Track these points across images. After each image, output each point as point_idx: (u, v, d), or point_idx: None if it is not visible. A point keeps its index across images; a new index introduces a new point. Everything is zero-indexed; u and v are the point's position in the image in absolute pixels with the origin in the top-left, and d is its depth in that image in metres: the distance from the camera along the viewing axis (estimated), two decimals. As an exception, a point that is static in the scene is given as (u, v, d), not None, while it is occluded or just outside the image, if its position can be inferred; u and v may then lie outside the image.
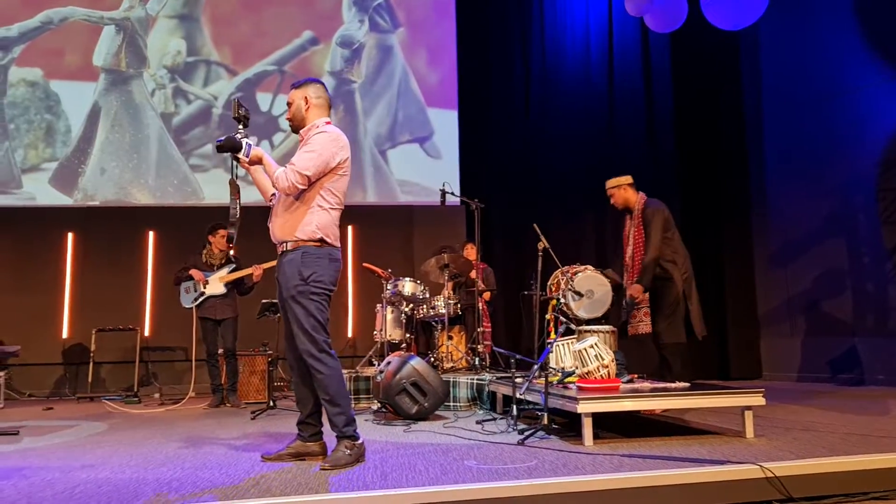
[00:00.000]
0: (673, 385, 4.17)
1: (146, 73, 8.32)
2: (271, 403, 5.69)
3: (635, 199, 5.38)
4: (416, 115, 8.73)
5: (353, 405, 3.46)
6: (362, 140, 8.59)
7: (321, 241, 3.41)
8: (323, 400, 3.43)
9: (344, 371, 6.31)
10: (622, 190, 5.39)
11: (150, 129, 8.26)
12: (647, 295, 5.17)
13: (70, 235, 7.99)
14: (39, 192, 8.07)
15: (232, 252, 6.50)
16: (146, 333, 7.89)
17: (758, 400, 3.84)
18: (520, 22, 9.00)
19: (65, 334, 7.87)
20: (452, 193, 7.09)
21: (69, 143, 8.17)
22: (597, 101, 8.74)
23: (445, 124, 8.72)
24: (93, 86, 8.22)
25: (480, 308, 6.91)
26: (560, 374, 4.30)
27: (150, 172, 8.22)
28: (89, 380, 7.57)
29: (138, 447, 4.14)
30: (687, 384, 4.23)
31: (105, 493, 2.91)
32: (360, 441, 3.42)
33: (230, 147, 3.43)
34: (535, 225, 6.04)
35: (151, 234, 8.11)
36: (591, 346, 4.31)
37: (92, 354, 7.64)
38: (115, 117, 8.23)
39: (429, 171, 8.61)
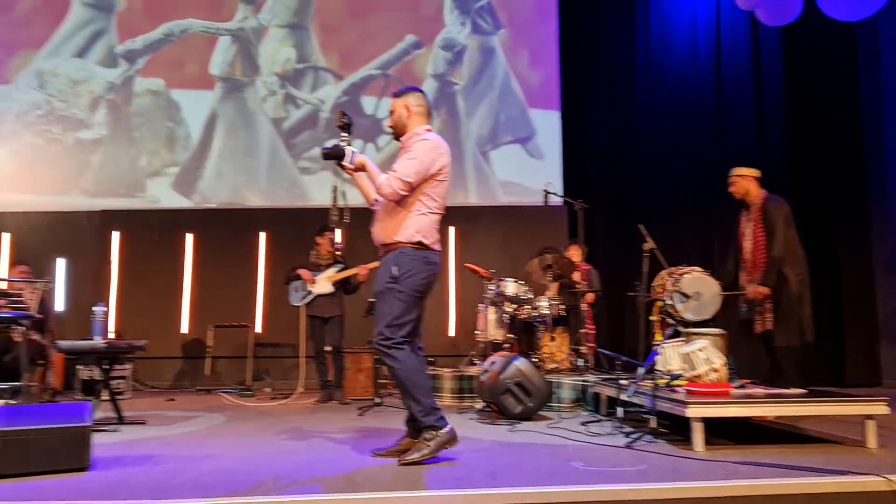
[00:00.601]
0: (788, 391, 4.04)
1: (258, 81, 8.68)
2: (377, 400, 5.84)
3: (756, 193, 5.23)
4: (517, 116, 8.75)
5: (432, 396, 3.51)
6: (464, 142, 8.67)
7: (419, 243, 3.52)
8: (401, 393, 3.52)
9: (447, 370, 6.44)
10: (746, 181, 5.25)
11: (261, 135, 8.61)
12: (768, 294, 5.02)
13: (190, 236, 8.43)
14: (162, 195, 8.55)
15: (339, 252, 6.70)
16: (258, 330, 8.22)
17: (881, 408, 3.67)
18: (624, 19, 8.88)
19: (184, 329, 8.31)
20: (555, 194, 7.07)
21: (189, 148, 8.62)
22: (703, 98, 8.52)
23: (547, 125, 8.70)
24: (210, 94, 8.64)
25: (584, 309, 6.86)
26: (668, 377, 4.23)
27: (261, 175, 8.58)
28: (207, 373, 7.97)
29: (254, 439, 4.34)
30: (803, 390, 4.08)
31: (229, 481, 3.08)
32: (444, 429, 3.47)
33: (335, 155, 3.58)
34: (640, 226, 5.95)
35: (263, 234, 8.45)
36: (701, 350, 4.22)
37: (209, 349, 8.04)
38: (231, 123, 8.62)
39: (530, 171, 8.61)
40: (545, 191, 6.97)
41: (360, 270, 6.53)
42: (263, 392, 7.53)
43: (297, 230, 8.27)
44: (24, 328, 5.51)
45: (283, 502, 2.70)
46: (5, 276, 7.15)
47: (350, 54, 8.77)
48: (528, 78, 8.77)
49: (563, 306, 6.69)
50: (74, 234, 8.28)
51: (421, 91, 3.79)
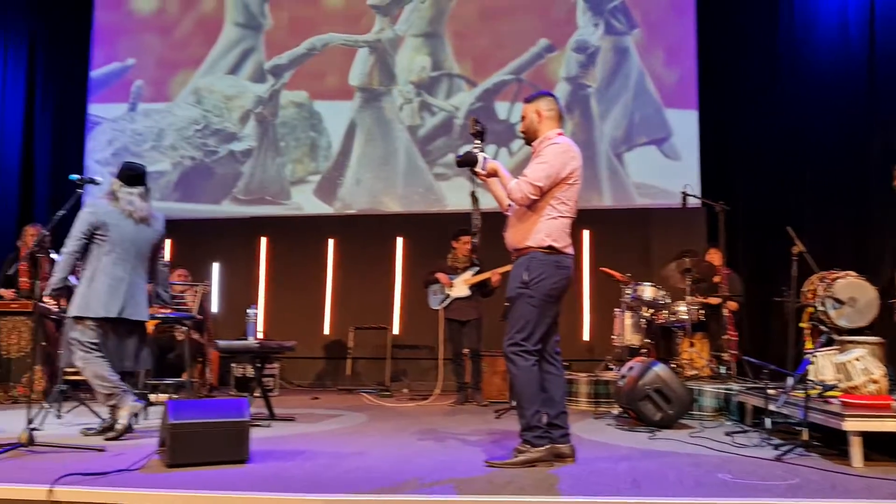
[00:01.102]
0: (957, 406, 3.75)
1: (395, 90, 8.94)
2: (514, 403, 5.88)
3: None
4: (652, 116, 8.56)
5: (540, 413, 3.52)
6: (598, 144, 8.58)
7: (550, 248, 3.53)
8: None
9: (582, 374, 6.39)
10: None
11: (398, 142, 8.87)
12: None
13: (331, 241, 8.80)
14: (305, 202, 8.98)
15: (475, 256, 6.79)
16: (396, 332, 8.47)
17: None
18: (766, 13, 8.48)
19: (326, 331, 8.67)
20: (694, 196, 6.88)
21: (330, 157, 9.00)
22: (854, 91, 8.00)
23: (684, 124, 8.46)
24: (349, 104, 8.99)
25: (725, 315, 6.63)
26: (820, 387, 4.03)
27: (398, 182, 8.83)
28: (347, 373, 8.30)
29: (395, 438, 4.49)
30: (976, 406, 3.78)
31: (375, 478, 3.22)
32: (540, 447, 3.46)
33: (468, 162, 3.66)
34: (788, 228, 5.70)
35: (400, 239, 8.69)
36: (858, 359, 4.00)
37: (350, 350, 8.36)
38: (369, 132, 8.94)
39: (667, 172, 8.40)
40: (683, 192, 6.79)
41: (491, 275, 6.61)
42: (401, 393, 7.75)
43: (432, 235, 8.45)
44: (186, 328, 5.94)
45: (426, 501, 2.79)
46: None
47: (483, 60, 8.87)
48: (663, 77, 8.56)
49: (704, 311, 6.49)
50: (227, 240, 8.83)
51: (552, 95, 3.81)
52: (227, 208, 9.04)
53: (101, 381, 4.33)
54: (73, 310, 4.38)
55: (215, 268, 8.70)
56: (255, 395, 5.61)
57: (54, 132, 9.67)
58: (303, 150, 9.06)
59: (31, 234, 6.56)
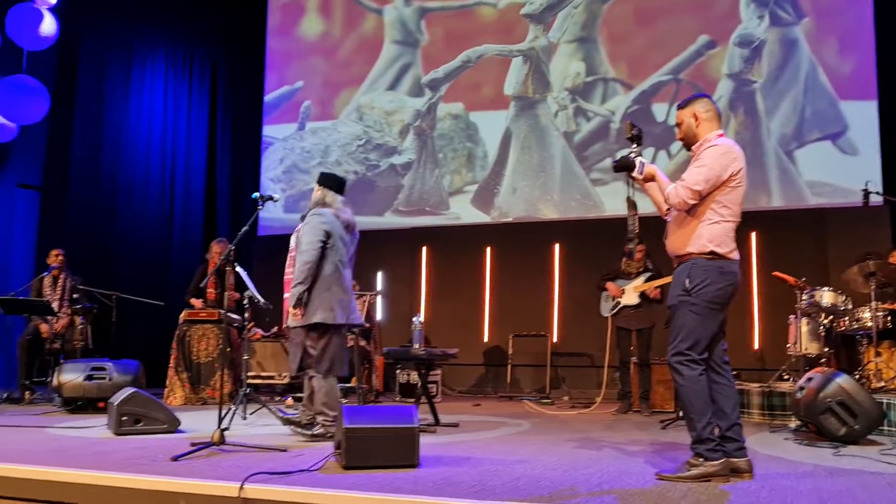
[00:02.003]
0: None
1: (549, 97, 8.93)
2: (680, 414, 5.70)
3: None
4: (826, 109, 8.03)
5: (711, 425, 3.35)
6: (765, 142, 8.15)
7: (712, 253, 3.41)
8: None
9: (753, 385, 6.09)
10: None
11: (554, 149, 8.85)
12: None
13: (488, 249, 8.91)
14: (463, 211, 9.15)
15: (649, 262, 6.64)
16: (555, 339, 8.44)
17: None
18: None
19: (485, 338, 8.79)
20: (877, 193, 6.38)
21: (486, 166, 9.13)
22: None
23: (862, 117, 7.87)
24: (504, 113, 9.08)
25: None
26: None
27: (555, 189, 8.81)
28: (508, 380, 8.36)
29: (560, 446, 4.48)
30: None
31: (543, 486, 3.23)
32: (714, 462, 3.32)
33: (625, 167, 3.61)
34: None
35: (557, 246, 8.66)
36: None
37: (509, 357, 8.43)
38: (524, 140, 8.99)
39: (843, 169, 7.84)
40: (864, 190, 6.30)
41: (646, 288, 6.46)
42: (562, 400, 7.71)
43: (590, 241, 8.38)
44: (354, 335, 6.22)
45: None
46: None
47: (639, 62, 8.68)
48: (837, 68, 8.01)
49: (891, 318, 6.00)
50: (389, 251, 9.16)
51: (706, 96, 3.69)
52: (390, 220, 9.37)
53: (331, 402, 4.49)
54: (309, 317, 4.48)
55: (379, 277, 9.04)
56: (422, 401, 5.77)
57: (233, 153, 10.49)
58: (460, 161, 9.25)
59: (216, 251, 7.11)
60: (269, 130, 10.09)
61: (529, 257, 8.76)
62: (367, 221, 9.34)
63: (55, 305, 7.10)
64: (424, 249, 9.19)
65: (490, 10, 9.31)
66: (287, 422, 4.71)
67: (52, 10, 8.84)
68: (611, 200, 8.50)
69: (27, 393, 6.96)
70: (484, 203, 9.08)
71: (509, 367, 8.43)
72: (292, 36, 10.15)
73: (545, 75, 8.98)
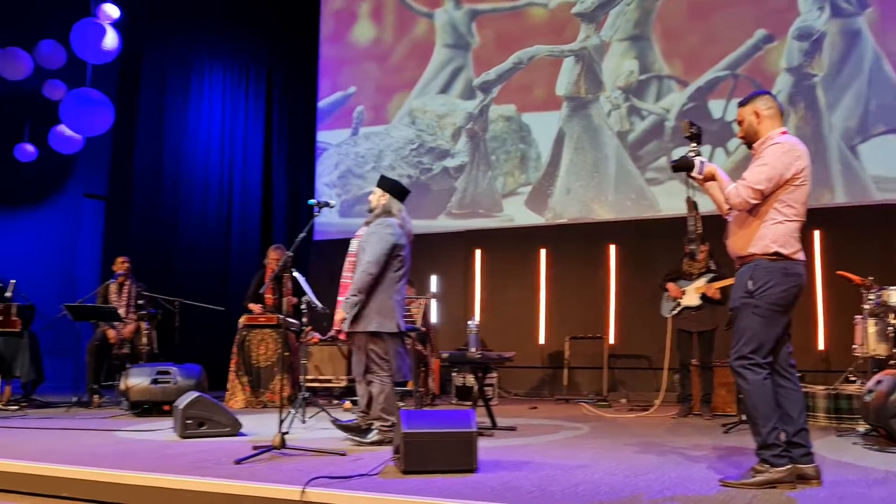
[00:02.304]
0: None
1: (602, 97, 8.84)
2: (743, 417, 5.58)
3: None
4: (892, 102, 7.76)
5: (776, 430, 3.26)
6: (827, 137, 7.92)
7: (776, 254, 3.33)
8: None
9: (818, 387, 5.92)
10: None
11: (608, 149, 8.76)
12: None
13: (543, 251, 8.86)
14: (517, 213, 9.12)
15: (712, 262, 6.50)
16: (612, 341, 8.34)
17: None
18: None
19: (541, 341, 8.74)
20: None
21: (539, 168, 9.08)
22: None
23: (932, 108, 7.60)
24: (557, 114, 9.02)
25: None
26: None
27: (609, 189, 8.71)
28: (564, 383, 8.30)
29: (619, 451, 4.43)
30: None
31: (603, 492, 3.20)
32: (780, 468, 3.23)
33: (684, 166, 3.55)
34: None
35: (613, 247, 8.56)
36: None
37: (566, 360, 8.36)
38: (577, 141, 8.91)
39: (911, 163, 7.59)
40: (935, 186, 6.09)
41: (707, 289, 6.34)
42: (619, 403, 7.62)
43: (646, 241, 8.26)
44: (410, 339, 6.26)
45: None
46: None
47: (694, 59, 8.53)
48: (904, 58, 7.75)
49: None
50: (443, 254, 9.18)
51: (768, 93, 3.60)
52: (443, 223, 9.40)
53: (389, 408, 4.53)
54: (368, 324, 4.53)
55: (433, 280, 9.07)
56: (478, 404, 5.77)
57: (289, 159, 10.69)
58: (513, 163, 9.22)
59: (273, 257, 7.23)
60: (323, 136, 10.22)
61: (584, 259, 8.68)
62: (420, 225, 9.36)
63: (121, 312, 7.31)
64: (478, 252, 9.19)
65: (541, 11, 9.27)
66: (344, 428, 4.75)
67: (115, 24, 9.11)
68: (666, 200, 8.37)
69: (96, 397, 7.18)
70: (538, 204, 9.03)
71: (566, 369, 8.37)
72: (344, 42, 10.27)
73: (598, 75, 8.89)
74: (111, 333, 7.30)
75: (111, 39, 8.91)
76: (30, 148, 9.43)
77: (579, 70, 8.98)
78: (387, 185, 4.81)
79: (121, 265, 7.58)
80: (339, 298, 4.70)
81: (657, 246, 7.81)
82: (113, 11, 9.17)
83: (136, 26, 10.14)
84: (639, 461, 4.05)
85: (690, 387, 6.52)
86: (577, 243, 8.72)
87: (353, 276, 4.61)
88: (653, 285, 6.92)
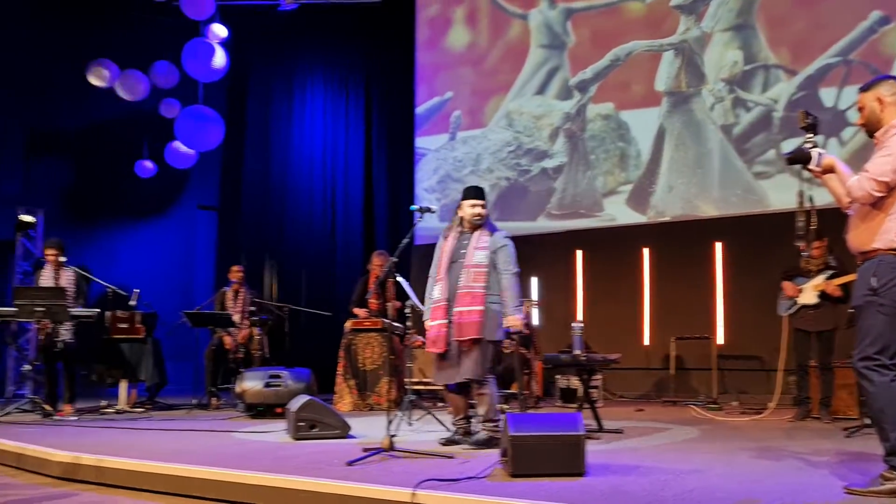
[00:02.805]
0: None
1: (704, 90, 8.59)
2: (866, 421, 5.30)
3: None
4: None
5: None
6: (953, 121, 7.43)
7: (902, 249, 3.15)
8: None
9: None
10: None
11: (711, 143, 8.50)
12: None
13: (646, 250, 8.69)
14: (618, 212, 8.98)
15: (832, 258, 6.20)
16: (720, 342, 8.09)
17: None
18: None
19: (646, 342, 8.56)
20: None
21: (640, 166, 8.91)
22: None
23: None
24: (657, 110, 8.82)
25: None
26: None
27: (713, 185, 8.45)
28: (672, 385, 8.10)
29: (733, 455, 4.30)
30: None
31: (719, 498, 3.12)
32: None
33: (800, 159, 3.41)
34: None
35: (719, 244, 8.30)
36: None
37: (672, 361, 8.16)
38: (679, 136, 8.69)
39: None
40: None
41: (826, 286, 6.04)
42: (730, 405, 7.38)
43: (754, 238, 7.97)
44: (513, 340, 6.26)
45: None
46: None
47: (802, 46, 8.18)
48: None
49: None
50: (544, 255, 9.13)
51: (892, 78, 3.41)
52: (543, 224, 9.36)
53: (496, 410, 4.69)
54: (497, 334, 4.72)
55: (534, 283, 9.05)
56: (584, 406, 5.72)
57: (389, 166, 10.90)
58: (612, 162, 9.09)
59: (377, 262, 7.39)
60: (421, 142, 10.36)
61: (689, 257, 8.45)
62: (520, 226, 9.37)
63: (236, 318, 7.64)
64: (579, 253, 9.09)
65: (638, 6, 9.09)
66: (449, 442, 4.78)
67: (222, 43, 9.55)
68: (777, 194, 8.05)
69: (214, 399, 7.53)
70: (639, 203, 8.86)
71: (672, 370, 8.17)
72: (440, 48, 10.38)
73: (699, 67, 8.65)
74: (227, 339, 7.64)
75: (220, 58, 9.35)
76: (149, 164, 10.00)
77: (679, 64, 8.75)
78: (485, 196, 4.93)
79: (236, 273, 7.92)
80: (461, 309, 4.68)
81: (767, 242, 7.52)
82: (221, 31, 9.62)
83: (242, 43, 10.59)
84: (755, 466, 3.92)
85: (808, 389, 6.24)
86: (680, 241, 8.50)
87: (478, 286, 4.65)
88: (763, 283, 6.68)
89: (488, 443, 4.56)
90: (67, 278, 7.01)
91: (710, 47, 8.63)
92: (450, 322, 4.66)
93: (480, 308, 4.61)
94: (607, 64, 9.16)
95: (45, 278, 7.02)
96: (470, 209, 4.81)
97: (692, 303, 8.32)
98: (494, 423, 4.60)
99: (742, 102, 8.41)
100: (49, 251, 7.07)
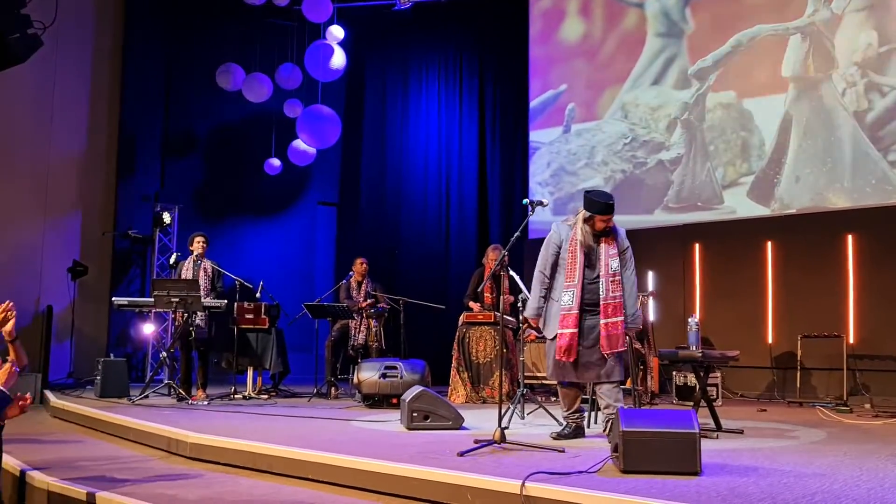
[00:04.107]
0: None
1: (835, 74, 8.12)
2: None
3: None
4: None
5: None
6: None
7: None
8: None
9: None
10: None
11: (842, 131, 8.03)
12: None
13: (769, 244, 8.32)
14: (739, 204, 8.63)
15: None
16: (851, 340, 7.66)
17: None
18: None
19: (770, 339, 8.21)
20: None
21: (763, 156, 8.53)
22: None
23: None
24: (782, 97, 8.41)
25: None
26: None
27: (844, 175, 7.99)
28: (797, 385, 7.74)
29: (863, 460, 4.08)
30: None
31: (843, 504, 2.98)
32: None
33: None
34: None
35: (850, 237, 7.85)
36: None
37: (799, 360, 7.80)
38: (807, 124, 8.25)
39: None
40: None
41: None
42: (862, 408, 6.97)
43: (889, 230, 7.50)
44: (629, 336, 6.16)
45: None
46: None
47: (947, 23, 7.60)
48: None
49: None
50: (661, 249, 8.92)
51: None
52: (659, 217, 9.13)
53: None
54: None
55: (650, 276, 8.85)
56: (701, 405, 5.56)
57: (502, 160, 10.93)
58: (734, 152, 8.75)
59: (492, 256, 7.44)
60: (535, 136, 10.32)
61: (817, 251, 8.04)
62: (636, 220, 9.19)
63: (362, 306, 7.93)
64: (697, 246, 8.82)
65: (762, -12, 8.71)
66: (560, 436, 4.81)
67: (341, 44, 9.85)
68: (916, 183, 7.54)
69: (333, 389, 7.81)
70: (762, 195, 8.49)
71: (798, 370, 7.80)
72: (554, 41, 10.29)
73: (829, 51, 8.18)
74: (352, 324, 7.91)
75: (339, 58, 9.66)
76: (276, 162, 10.48)
77: (807, 48, 8.32)
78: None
79: (360, 265, 8.20)
80: (609, 321, 4.71)
81: (905, 235, 7.07)
82: (338, 32, 9.94)
83: (359, 43, 10.90)
84: (888, 473, 3.71)
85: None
86: (808, 234, 8.09)
87: (619, 295, 4.75)
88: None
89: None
90: (207, 270, 7.46)
91: (840, 29, 8.15)
92: (580, 330, 4.71)
93: (621, 318, 4.72)
94: (728, 50, 8.82)
95: (187, 269, 7.49)
96: (602, 224, 4.78)
97: (820, 299, 7.91)
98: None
99: (876, 87, 7.90)
100: (199, 238, 7.53)
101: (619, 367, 4.71)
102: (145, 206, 10.03)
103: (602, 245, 4.78)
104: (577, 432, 4.86)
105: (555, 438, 4.72)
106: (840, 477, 3.56)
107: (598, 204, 4.76)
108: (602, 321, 4.68)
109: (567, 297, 4.74)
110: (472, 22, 10.81)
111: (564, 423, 4.91)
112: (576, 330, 4.68)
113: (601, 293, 4.70)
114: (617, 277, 4.72)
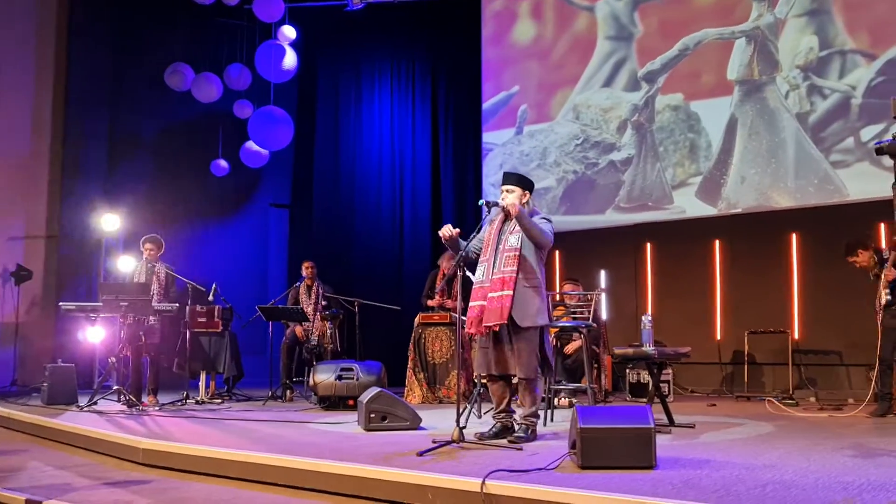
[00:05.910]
0: None
1: (778, 77, 8.36)
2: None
3: None
4: None
5: None
6: None
7: None
8: None
9: None
10: None
11: (786, 132, 8.27)
12: None
13: (717, 243, 8.53)
14: (688, 204, 8.82)
15: None
16: (796, 336, 7.89)
17: None
18: None
19: (718, 336, 8.41)
20: None
21: (710, 157, 8.73)
22: None
23: None
24: (728, 100, 8.63)
25: None
26: None
27: (788, 175, 8.23)
28: (745, 380, 7.94)
29: (810, 451, 4.20)
30: None
31: (794, 495, 3.06)
32: None
33: (892, 150, 3.32)
34: None
35: (794, 235, 8.09)
36: None
37: (746, 356, 8.00)
38: (751, 126, 8.48)
39: None
40: None
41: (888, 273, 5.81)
42: (808, 401, 7.19)
43: (831, 229, 7.74)
44: (582, 334, 6.24)
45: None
46: (565, 291, 8.17)
47: (882, 29, 7.88)
48: None
49: None
50: (613, 248, 9.07)
51: None
52: (611, 217, 9.27)
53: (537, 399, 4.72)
54: (541, 318, 4.64)
55: (602, 275, 8.98)
56: (654, 401, 5.67)
57: (455, 162, 10.97)
58: (682, 153, 8.93)
59: (448, 257, 7.45)
60: (488, 137, 10.38)
61: (763, 249, 8.27)
62: (588, 220, 9.33)
63: (309, 311, 7.83)
64: (648, 246, 8.99)
65: (708, -7, 8.92)
66: (517, 440, 4.71)
67: (292, 44, 9.76)
68: (856, 184, 7.80)
69: (288, 391, 7.74)
70: (710, 195, 8.69)
71: (746, 365, 8.00)
72: (506, 43, 10.37)
73: (773, 55, 8.42)
74: (299, 330, 7.84)
75: (290, 59, 9.57)
76: (223, 163, 10.32)
77: (752, 51, 8.55)
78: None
79: (308, 269, 8.12)
80: (492, 295, 4.62)
81: (846, 233, 7.28)
82: (290, 32, 9.85)
83: (311, 44, 10.80)
84: (835, 462, 3.83)
85: (891, 385, 6.04)
86: (753, 233, 8.32)
87: (509, 270, 4.57)
88: (841, 275, 6.48)
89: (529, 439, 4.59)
90: (160, 275, 7.25)
91: (784, 33, 8.40)
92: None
93: (510, 293, 4.51)
94: (676, 54, 9.01)
95: (139, 273, 7.31)
96: (504, 193, 4.77)
97: (766, 296, 8.14)
98: (536, 419, 4.68)
99: (818, 89, 8.16)
100: (148, 246, 7.31)
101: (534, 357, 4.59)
102: (90, 209, 9.78)
103: (510, 223, 4.72)
104: (502, 433, 4.71)
105: (480, 439, 4.58)
106: (790, 468, 3.67)
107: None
108: (490, 294, 4.58)
109: (479, 272, 4.77)
110: (425, 23, 10.82)
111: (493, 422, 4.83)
112: (483, 303, 4.65)
113: (495, 268, 4.63)
114: (514, 253, 4.60)
